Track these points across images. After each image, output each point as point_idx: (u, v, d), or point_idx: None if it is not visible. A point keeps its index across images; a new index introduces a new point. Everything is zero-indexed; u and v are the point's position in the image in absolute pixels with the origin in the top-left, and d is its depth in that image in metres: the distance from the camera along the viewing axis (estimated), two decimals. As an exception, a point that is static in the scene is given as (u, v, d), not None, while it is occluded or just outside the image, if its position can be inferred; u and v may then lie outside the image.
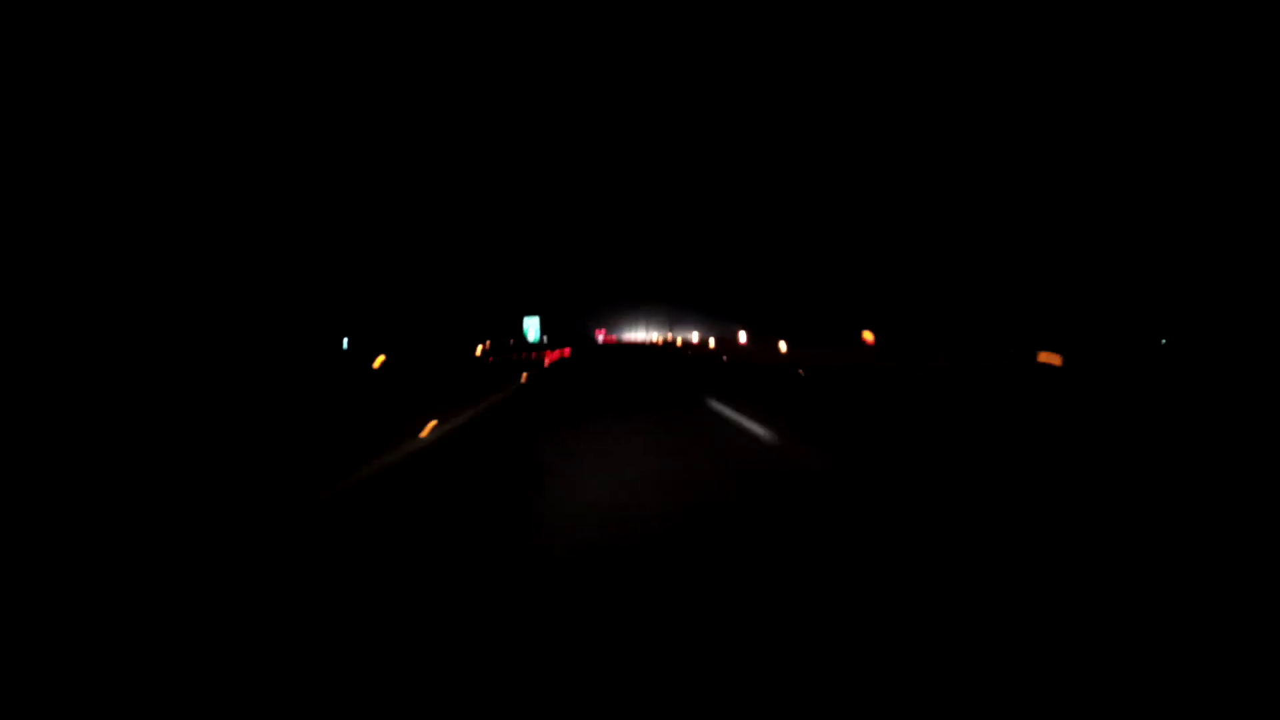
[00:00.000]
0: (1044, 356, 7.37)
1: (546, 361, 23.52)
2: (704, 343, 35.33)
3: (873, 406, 7.39)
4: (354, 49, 29.56)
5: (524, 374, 14.06)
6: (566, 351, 33.17)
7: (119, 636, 1.97)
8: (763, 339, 21.65)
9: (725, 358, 21.38)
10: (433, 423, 6.35)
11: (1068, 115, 22.12)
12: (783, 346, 17.40)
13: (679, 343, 47.87)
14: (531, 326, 53.08)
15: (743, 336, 23.41)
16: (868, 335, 13.37)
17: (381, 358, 12.56)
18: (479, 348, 22.82)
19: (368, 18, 30.85)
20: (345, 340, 23.08)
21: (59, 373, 8.91)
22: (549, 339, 51.09)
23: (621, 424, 6.39)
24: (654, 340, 69.82)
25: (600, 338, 77.18)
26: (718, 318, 45.80)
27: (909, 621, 1.93)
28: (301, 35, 23.75)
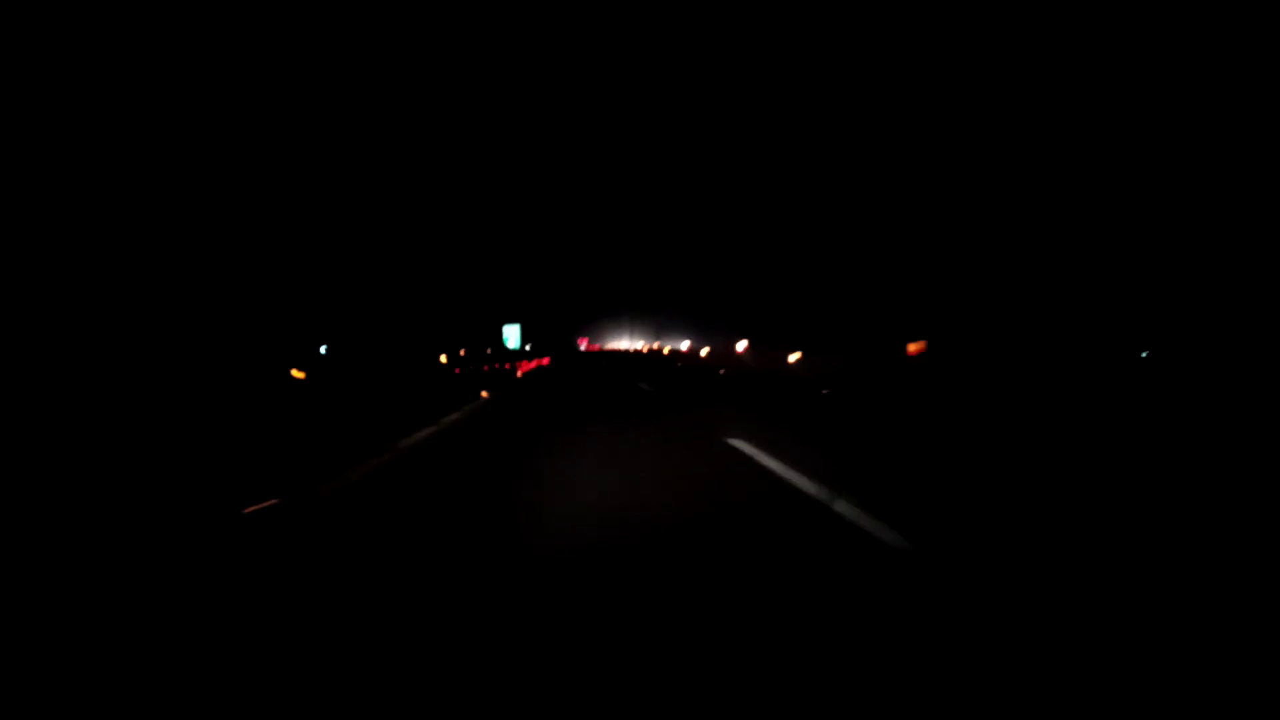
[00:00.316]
0: None
1: (520, 372, 20.96)
2: (694, 352, 32.88)
3: (984, 447, 4.96)
4: (338, 57, 28.02)
5: (484, 391, 11.48)
6: (545, 360, 30.59)
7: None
8: (765, 349, 19.24)
9: (722, 370, 18.96)
10: (270, 501, 3.80)
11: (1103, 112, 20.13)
12: (793, 358, 15.00)
13: (665, 351, 45.42)
14: (512, 335, 50.62)
15: (741, 345, 20.99)
16: (914, 347, 10.97)
17: (298, 372, 9.93)
18: (443, 356, 20.17)
19: (347, 27, 28.95)
20: (323, 346, 21.39)
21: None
22: (531, 347, 48.67)
23: (599, 472, 3.90)
24: (638, 349, 67.39)
25: (583, 346, 75.14)
26: (707, 327, 43.49)
27: None
28: (283, 43, 22.43)
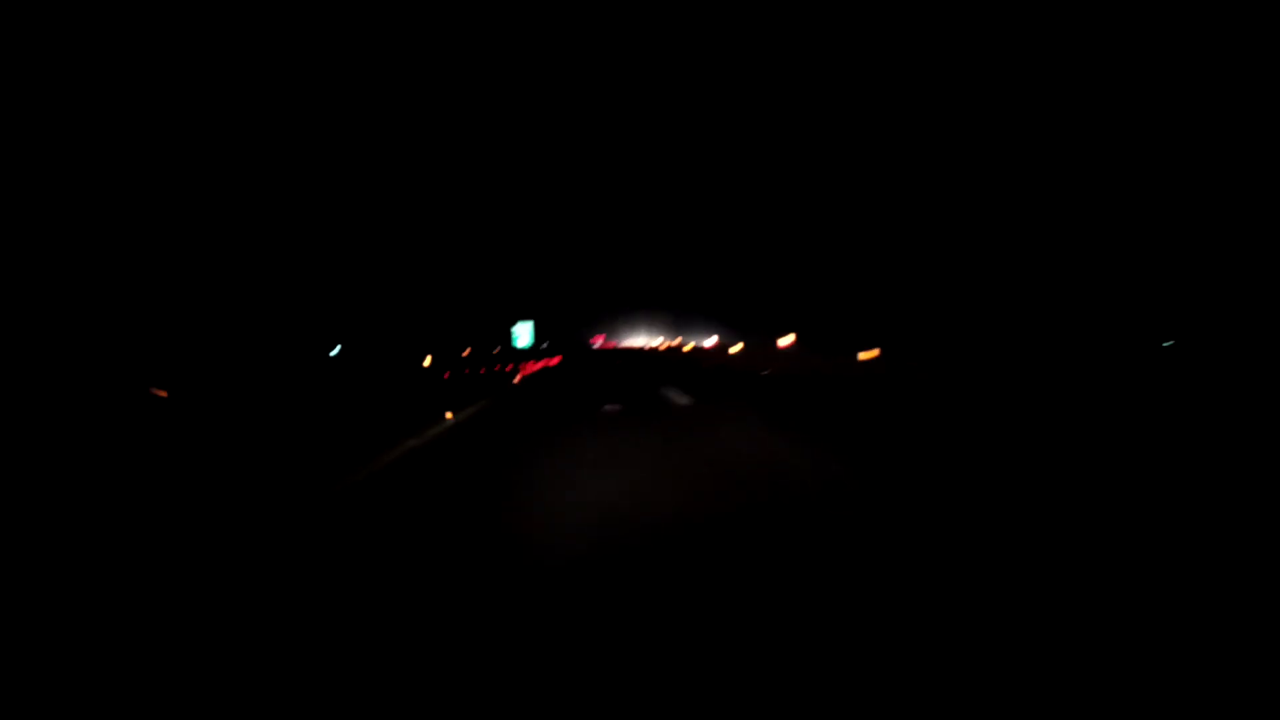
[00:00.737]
0: None
1: (519, 376, 17.64)
2: (721, 350, 29.32)
3: None
4: (347, 52, 26.07)
5: (449, 412, 8.11)
6: (554, 361, 27.26)
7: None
8: (818, 348, 15.77)
9: (765, 372, 15.51)
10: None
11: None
12: (866, 355, 11.52)
13: (687, 349, 41.86)
14: (523, 333, 47.38)
15: (785, 341, 17.53)
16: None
17: (162, 391, 6.70)
18: (427, 359, 16.92)
19: (357, 20, 26.63)
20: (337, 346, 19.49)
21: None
22: (548, 345, 45.52)
23: None
24: (655, 346, 63.71)
25: (598, 344, 72.15)
26: (731, 321, 39.93)
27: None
28: (289, 39, 20.65)
